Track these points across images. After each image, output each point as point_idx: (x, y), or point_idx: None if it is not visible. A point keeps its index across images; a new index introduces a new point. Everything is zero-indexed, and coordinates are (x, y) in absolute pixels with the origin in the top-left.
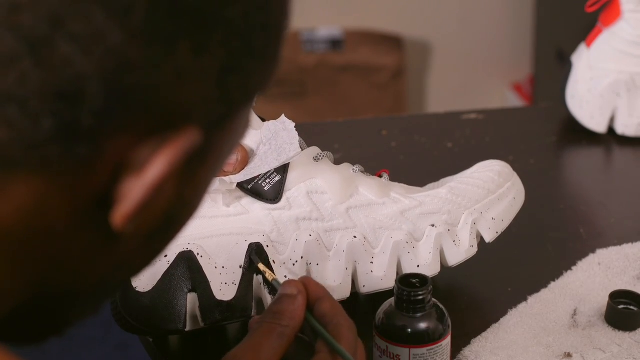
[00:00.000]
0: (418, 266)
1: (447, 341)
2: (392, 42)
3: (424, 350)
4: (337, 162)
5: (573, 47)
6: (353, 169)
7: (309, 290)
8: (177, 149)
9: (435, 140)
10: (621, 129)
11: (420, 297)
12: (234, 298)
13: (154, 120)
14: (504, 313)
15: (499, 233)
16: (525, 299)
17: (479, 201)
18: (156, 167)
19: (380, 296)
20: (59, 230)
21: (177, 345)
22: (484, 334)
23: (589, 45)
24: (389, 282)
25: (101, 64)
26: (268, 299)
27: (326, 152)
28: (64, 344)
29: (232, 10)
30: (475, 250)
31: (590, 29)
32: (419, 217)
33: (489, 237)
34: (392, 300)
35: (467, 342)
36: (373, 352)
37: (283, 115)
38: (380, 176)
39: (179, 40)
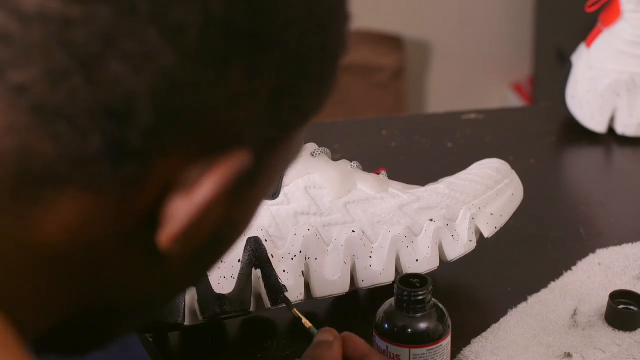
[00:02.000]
0: (417, 260)
1: (447, 341)
2: (392, 42)
3: (424, 350)
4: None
5: (573, 47)
6: (351, 165)
7: (357, 344)
8: (227, 171)
9: (435, 140)
10: (621, 129)
11: (421, 297)
12: (232, 292)
13: (203, 141)
14: (504, 313)
15: (498, 228)
16: (525, 299)
17: (477, 196)
18: (205, 188)
19: (380, 296)
20: (105, 247)
21: (177, 345)
22: (484, 334)
23: (589, 45)
24: (388, 277)
25: (152, 83)
26: (265, 295)
27: (323, 148)
28: None
29: (287, 33)
30: (474, 244)
31: (590, 29)
32: (417, 211)
33: (487, 232)
34: (392, 300)
35: (467, 342)
36: None
37: None
38: (378, 174)
39: (232, 62)
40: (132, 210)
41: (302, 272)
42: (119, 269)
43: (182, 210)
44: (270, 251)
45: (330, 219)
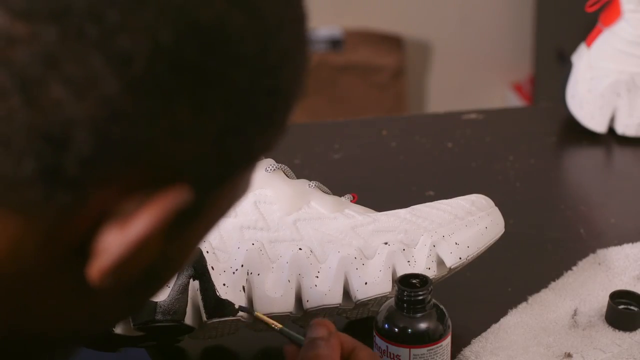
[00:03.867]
0: (366, 283)
1: (447, 341)
2: (392, 42)
3: (424, 350)
4: (337, 162)
5: (573, 47)
6: (309, 184)
7: (343, 340)
8: (165, 206)
9: (435, 140)
10: (621, 128)
11: (421, 298)
12: (165, 300)
13: (143, 174)
14: (504, 313)
15: (463, 260)
16: (525, 299)
17: (442, 224)
18: (140, 222)
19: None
20: (32, 276)
21: (177, 345)
22: (484, 334)
23: (589, 45)
24: (334, 298)
25: (93, 111)
26: (202, 307)
27: (281, 165)
28: None
29: (237, 72)
30: (433, 272)
31: (591, 28)
32: (372, 233)
33: (450, 262)
34: (392, 300)
35: (467, 342)
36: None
37: None
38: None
39: (177, 96)
40: (63, 239)
41: (243, 287)
42: (47, 299)
43: (114, 243)
44: (211, 263)
45: (277, 235)
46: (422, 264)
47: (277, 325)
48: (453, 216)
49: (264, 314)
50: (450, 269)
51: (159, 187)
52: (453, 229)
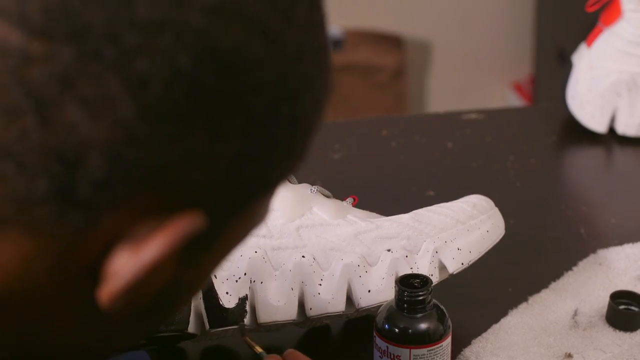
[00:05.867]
0: (369, 291)
1: (447, 342)
2: (392, 42)
3: (424, 350)
4: (337, 162)
5: (574, 47)
6: (311, 190)
7: None
8: (178, 231)
9: (435, 140)
10: (622, 128)
11: (421, 298)
12: None
13: (157, 199)
14: (504, 313)
15: (465, 265)
16: (525, 300)
17: (444, 229)
18: (153, 247)
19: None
20: (43, 296)
21: (177, 348)
22: (484, 335)
23: (589, 44)
24: (337, 306)
25: (108, 133)
26: (205, 316)
27: None
28: None
29: (256, 99)
30: (435, 279)
31: (591, 28)
32: (374, 240)
33: (452, 268)
34: (392, 300)
35: (467, 343)
36: (373, 353)
37: None
38: (346, 200)
39: (194, 121)
40: (74, 261)
41: (247, 296)
42: (56, 321)
43: (126, 267)
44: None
45: (280, 243)
46: (424, 271)
47: (259, 349)
48: (455, 221)
49: (268, 322)
50: (452, 274)
51: (173, 212)
52: (455, 234)
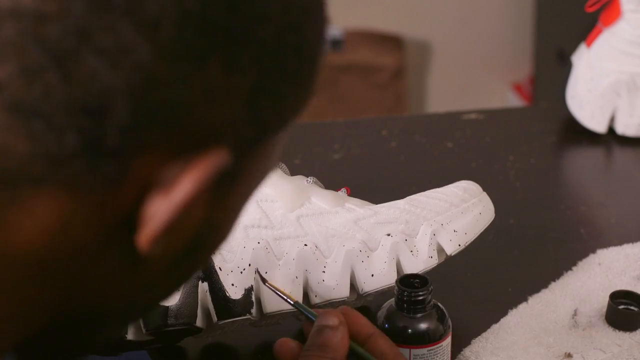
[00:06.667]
0: (372, 275)
1: (447, 341)
2: (392, 42)
3: (424, 350)
4: (337, 162)
5: (573, 47)
6: (307, 180)
7: (361, 324)
8: (205, 169)
9: (435, 140)
10: (621, 129)
11: (421, 298)
12: (177, 304)
13: (181, 139)
14: (504, 313)
15: (462, 246)
16: (525, 299)
17: (439, 213)
18: (183, 187)
19: (381, 296)
20: (83, 250)
21: (177, 347)
22: (484, 334)
23: (589, 45)
24: (342, 292)
25: (128, 79)
26: (213, 309)
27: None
28: None
29: (263, 29)
30: (435, 261)
31: (591, 28)
32: (374, 226)
33: (450, 249)
34: (392, 300)
35: (467, 343)
36: None
37: None
38: (339, 191)
39: (208, 57)
40: (111, 212)
41: (252, 287)
42: (99, 273)
43: (160, 210)
44: (218, 264)
45: (282, 233)
46: (424, 253)
47: (292, 299)
48: (449, 204)
49: (273, 312)
50: (450, 255)
51: (198, 151)
52: (450, 217)
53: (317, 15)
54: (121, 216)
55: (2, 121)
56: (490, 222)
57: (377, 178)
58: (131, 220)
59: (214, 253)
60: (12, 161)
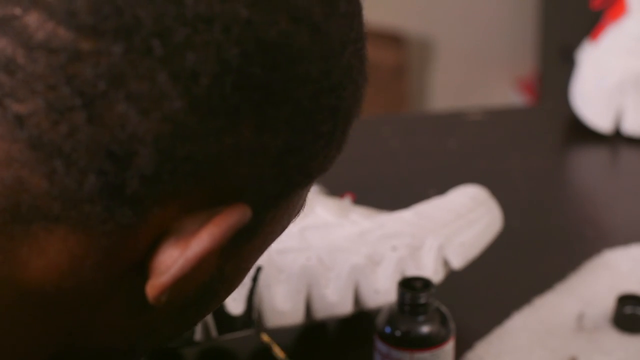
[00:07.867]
0: (376, 291)
1: (450, 345)
2: (393, 40)
3: (426, 354)
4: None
5: (578, 44)
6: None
7: None
8: (225, 225)
9: (436, 140)
10: (628, 127)
11: (423, 301)
12: None
13: (204, 193)
14: (508, 316)
15: (469, 260)
16: (529, 302)
17: (446, 225)
18: (201, 241)
19: None
20: (91, 292)
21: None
22: (487, 338)
23: (594, 42)
24: (345, 308)
25: (157, 128)
26: (212, 323)
27: None
28: None
29: (301, 90)
30: (440, 276)
31: (596, 25)
32: (379, 239)
33: (457, 263)
34: (394, 303)
35: (470, 346)
36: (374, 356)
37: None
38: (343, 197)
39: (242, 114)
40: (122, 257)
41: (253, 301)
42: (104, 315)
43: (174, 262)
44: None
45: (285, 246)
46: (429, 268)
47: (282, 353)
48: (455, 214)
49: (275, 327)
50: (456, 270)
51: (218, 206)
52: (457, 229)
53: (357, 77)
54: (133, 262)
55: (22, 156)
56: (497, 232)
57: (377, 178)
58: (142, 266)
59: (223, 301)
60: (28, 198)
